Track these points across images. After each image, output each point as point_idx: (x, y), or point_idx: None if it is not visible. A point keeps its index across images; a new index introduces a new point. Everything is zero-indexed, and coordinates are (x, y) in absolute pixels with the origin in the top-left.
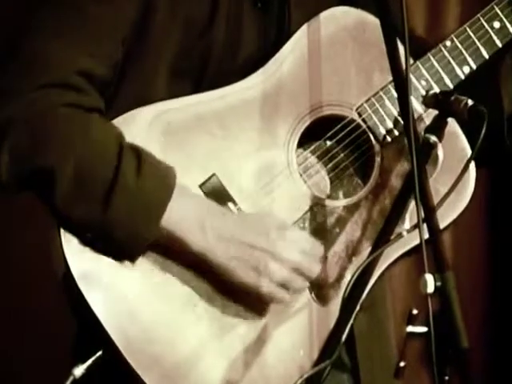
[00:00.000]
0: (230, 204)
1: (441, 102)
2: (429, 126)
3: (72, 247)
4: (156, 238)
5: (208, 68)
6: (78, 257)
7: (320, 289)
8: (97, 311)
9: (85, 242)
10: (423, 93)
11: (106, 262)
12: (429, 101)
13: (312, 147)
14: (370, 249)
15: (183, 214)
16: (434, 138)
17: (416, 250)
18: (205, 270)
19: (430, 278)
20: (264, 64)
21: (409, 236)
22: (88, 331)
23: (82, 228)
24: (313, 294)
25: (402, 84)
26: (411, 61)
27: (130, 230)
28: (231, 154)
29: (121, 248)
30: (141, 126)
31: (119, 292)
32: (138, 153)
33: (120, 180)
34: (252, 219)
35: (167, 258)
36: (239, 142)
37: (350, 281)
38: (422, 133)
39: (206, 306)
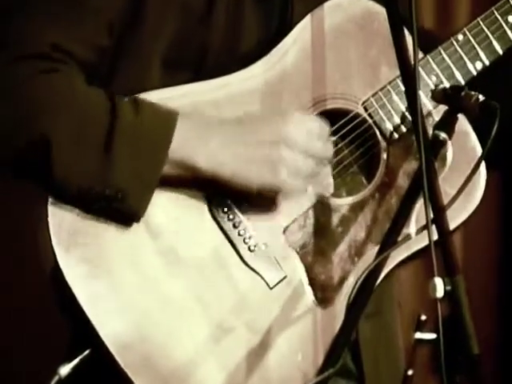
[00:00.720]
0: None
1: (450, 97)
2: (438, 122)
3: (62, 238)
4: (165, 174)
5: (206, 59)
6: (68, 245)
7: (322, 291)
8: (84, 304)
9: (86, 205)
10: (432, 87)
11: (97, 251)
12: (438, 95)
13: None
14: (374, 250)
15: (186, 138)
16: (443, 135)
17: (423, 253)
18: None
19: (439, 282)
20: (266, 54)
21: (416, 237)
22: (75, 327)
23: (83, 188)
24: (315, 297)
25: (410, 78)
26: (421, 55)
27: (136, 169)
28: None
29: (128, 199)
30: None
31: (111, 285)
32: (133, 98)
33: (118, 123)
34: (251, 117)
35: (166, 241)
36: None
37: (355, 285)
38: (431, 129)
39: (204, 307)
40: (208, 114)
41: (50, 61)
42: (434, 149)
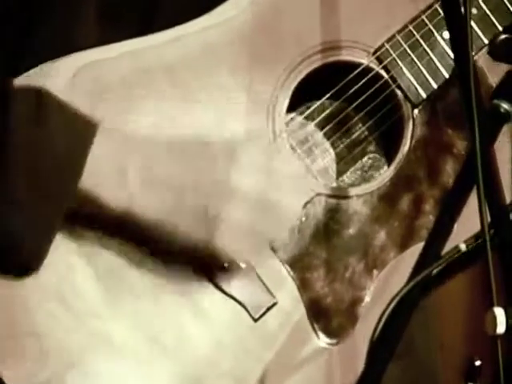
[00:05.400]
0: None
1: None
2: (497, 87)
3: None
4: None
5: (158, 8)
6: None
7: (328, 319)
8: None
9: None
10: (473, 25)
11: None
12: (499, 50)
13: (310, 110)
14: (399, 258)
15: (99, 162)
16: (506, 106)
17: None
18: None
19: (500, 313)
20: None
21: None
22: None
23: None
24: (320, 329)
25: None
26: None
27: (33, 208)
28: None
29: (21, 242)
30: (61, 83)
31: (31, 328)
32: (35, 93)
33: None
34: (191, 150)
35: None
36: (200, 105)
37: (382, 314)
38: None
39: (162, 352)
40: (161, 85)
41: None
42: (494, 125)
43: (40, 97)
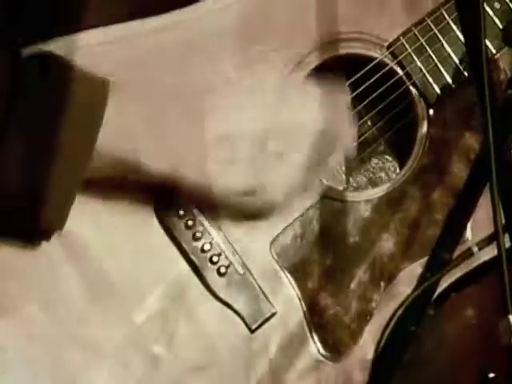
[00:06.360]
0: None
1: None
2: None
3: None
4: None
5: None
6: None
7: (332, 333)
8: None
9: None
10: (496, 21)
11: None
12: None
13: None
14: (409, 269)
15: (125, 121)
16: None
17: (488, 271)
18: None
19: None
20: None
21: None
22: None
23: None
24: (322, 343)
25: (466, 5)
26: None
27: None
28: None
29: (37, 206)
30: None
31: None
32: (40, 53)
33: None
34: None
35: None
36: None
37: (385, 327)
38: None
39: (149, 362)
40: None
41: None
42: (508, 118)
43: (48, 61)
